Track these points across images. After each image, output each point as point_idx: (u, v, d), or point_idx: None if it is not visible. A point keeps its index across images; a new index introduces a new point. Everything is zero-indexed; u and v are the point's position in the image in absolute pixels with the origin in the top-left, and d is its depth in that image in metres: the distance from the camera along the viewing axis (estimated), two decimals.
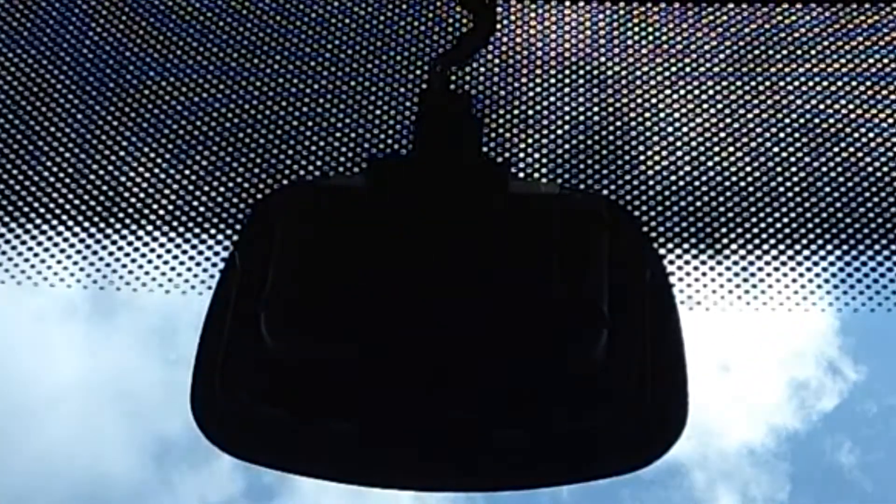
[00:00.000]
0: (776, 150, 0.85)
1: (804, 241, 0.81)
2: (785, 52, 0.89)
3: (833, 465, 0.98)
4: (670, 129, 0.86)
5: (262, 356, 0.60)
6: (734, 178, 0.84)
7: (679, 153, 0.85)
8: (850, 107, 0.86)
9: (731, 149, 0.85)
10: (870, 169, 0.84)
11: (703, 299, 0.79)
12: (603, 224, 0.64)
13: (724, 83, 0.88)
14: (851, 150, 0.85)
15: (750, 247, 0.81)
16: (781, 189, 0.83)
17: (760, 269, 0.80)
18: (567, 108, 0.86)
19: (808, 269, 0.80)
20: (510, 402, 0.60)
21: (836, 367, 0.98)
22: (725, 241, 0.81)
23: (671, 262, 0.80)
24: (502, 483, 0.61)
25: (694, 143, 0.85)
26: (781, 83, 0.88)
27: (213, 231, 0.82)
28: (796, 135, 0.86)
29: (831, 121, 0.86)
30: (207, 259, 0.80)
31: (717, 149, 0.85)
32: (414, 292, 0.60)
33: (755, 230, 0.82)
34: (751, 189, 0.83)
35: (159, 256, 0.81)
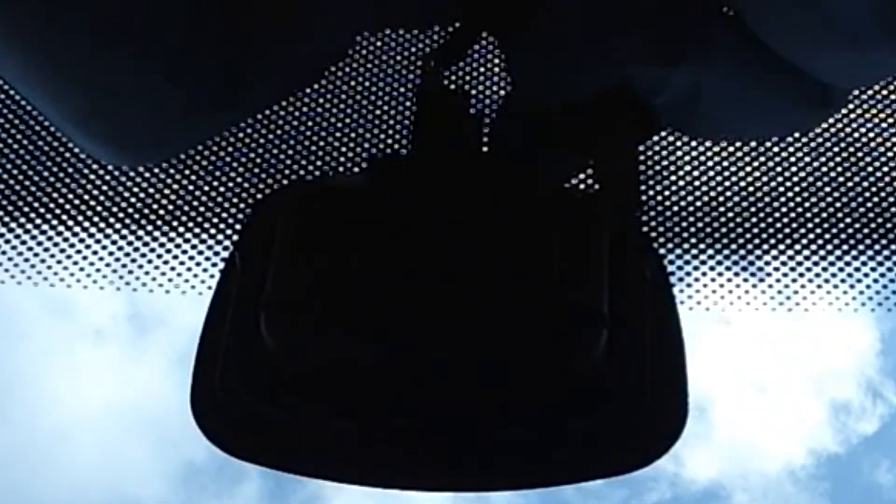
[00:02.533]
0: (776, 149, 0.85)
1: (804, 241, 0.81)
2: None
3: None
4: (670, 128, 0.86)
5: (263, 356, 0.60)
6: (734, 178, 0.84)
7: (679, 153, 0.85)
8: (850, 107, 0.86)
9: (731, 148, 0.85)
10: (870, 169, 0.84)
11: (703, 299, 0.79)
12: (603, 224, 0.64)
13: None
14: (851, 150, 0.85)
15: (750, 246, 0.81)
16: (781, 189, 0.83)
17: (760, 268, 0.80)
18: None
19: (808, 269, 0.80)
20: (510, 401, 0.60)
21: (849, 368, 0.98)
22: (725, 240, 0.81)
23: (671, 262, 0.80)
24: (502, 483, 0.61)
25: (694, 143, 0.85)
26: None
27: (213, 231, 0.82)
28: (796, 134, 0.86)
29: (831, 120, 0.86)
30: (207, 259, 0.80)
31: (717, 148, 0.85)
32: (414, 292, 0.60)
33: (755, 230, 0.82)
34: (751, 189, 0.83)
35: (159, 256, 0.81)
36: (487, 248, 0.62)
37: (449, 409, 0.60)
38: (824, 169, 0.84)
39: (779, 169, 0.84)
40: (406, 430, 0.60)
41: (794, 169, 0.84)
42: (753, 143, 0.85)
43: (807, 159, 0.85)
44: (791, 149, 0.85)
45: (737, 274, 0.80)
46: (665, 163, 0.84)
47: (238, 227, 0.81)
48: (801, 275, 0.80)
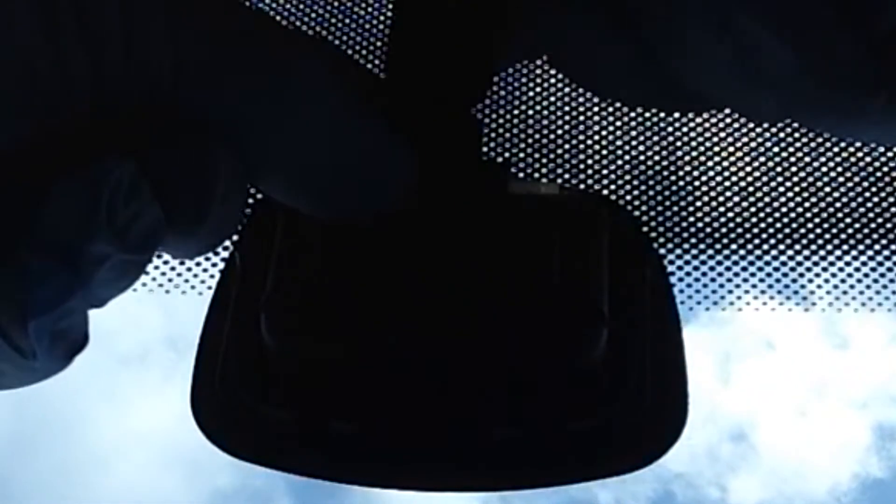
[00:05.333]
0: (776, 149, 0.85)
1: (804, 241, 0.81)
2: None
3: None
4: (670, 128, 0.86)
5: (263, 356, 0.60)
6: (734, 178, 0.84)
7: (679, 153, 0.85)
8: None
9: (731, 148, 0.85)
10: (870, 169, 0.84)
11: (703, 299, 0.79)
12: (603, 224, 0.64)
13: None
14: (851, 149, 0.85)
15: (750, 247, 0.81)
16: (781, 189, 0.83)
17: (760, 268, 0.80)
18: (567, 108, 0.86)
19: (808, 269, 0.80)
20: (510, 402, 0.60)
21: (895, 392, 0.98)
22: (726, 240, 0.81)
23: (671, 262, 0.80)
24: (502, 483, 0.61)
25: (694, 143, 0.85)
26: None
27: None
28: (796, 134, 0.86)
29: None
30: (207, 259, 0.80)
31: (717, 148, 0.85)
32: (414, 292, 0.60)
33: (755, 230, 0.82)
34: (751, 189, 0.83)
35: (159, 256, 0.81)
36: (487, 247, 0.62)
37: (449, 409, 0.60)
38: (824, 169, 0.84)
39: (779, 169, 0.84)
40: (406, 431, 0.60)
41: (794, 169, 0.84)
42: (754, 144, 0.85)
43: (807, 159, 0.85)
44: (791, 149, 0.85)
45: (737, 274, 0.80)
46: (665, 163, 0.84)
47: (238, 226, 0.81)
48: (801, 275, 0.80)
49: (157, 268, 0.80)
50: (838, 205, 0.82)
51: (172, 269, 0.80)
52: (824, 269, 0.81)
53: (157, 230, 0.47)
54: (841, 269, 0.81)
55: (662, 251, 0.80)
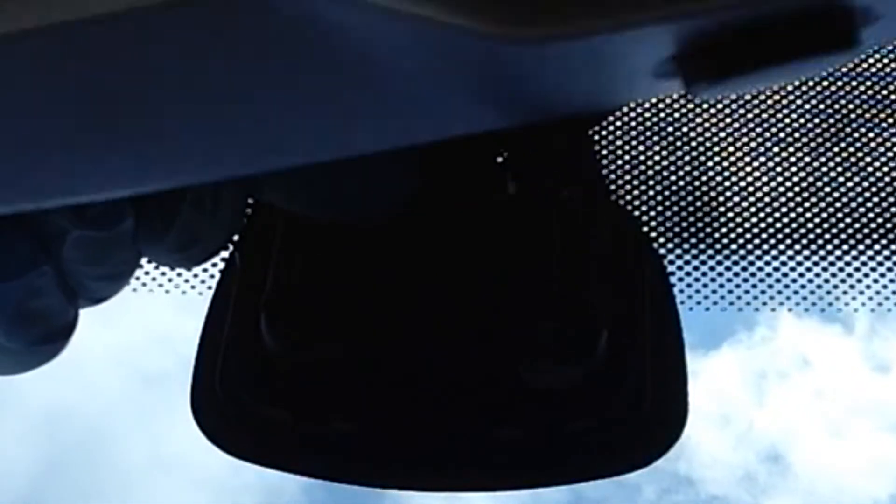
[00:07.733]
0: (776, 149, 0.85)
1: (804, 241, 0.81)
2: None
3: None
4: (670, 128, 0.86)
5: (263, 356, 0.60)
6: (734, 178, 0.84)
7: (679, 153, 0.85)
8: (850, 107, 0.86)
9: (731, 148, 0.85)
10: (870, 169, 0.84)
11: (703, 299, 0.79)
12: (604, 225, 0.65)
13: None
14: (851, 150, 0.85)
15: (750, 246, 0.81)
16: (781, 189, 0.83)
17: (760, 268, 0.80)
18: None
19: (809, 269, 0.80)
20: (510, 402, 0.60)
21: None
22: (725, 241, 0.81)
23: (671, 262, 0.80)
24: (502, 483, 0.61)
25: (694, 143, 0.85)
26: (781, 82, 0.88)
27: None
28: (796, 135, 0.86)
29: (831, 121, 0.86)
30: None
31: (717, 148, 0.85)
32: (414, 292, 0.60)
33: (755, 230, 0.82)
34: (751, 189, 0.83)
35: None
36: (487, 248, 0.62)
37: (448, 409, 0.60)
38: (824, 169, 0.84)
39: (779, 169, 0.84)
40: (406, 430, 0.60)
41: (794, 169, 0.84)
42: (753, 144, 0.85)
43: (807, 159, 0.85)
44: (791, 149, 0.85)
45: (737, 274, 0.80)
46: (665, 163, 0.84)
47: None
48: (801, 275, 0.80)
49: (156, 268, 0.80)
50: (838, 205, 0.82)
51: (172, 268, 0.80)
52: (824, 269, 0.81)
53: (117, 207, 0.47)
54: (841, 269, 0.81)
55: (663, 251, 0.80)
